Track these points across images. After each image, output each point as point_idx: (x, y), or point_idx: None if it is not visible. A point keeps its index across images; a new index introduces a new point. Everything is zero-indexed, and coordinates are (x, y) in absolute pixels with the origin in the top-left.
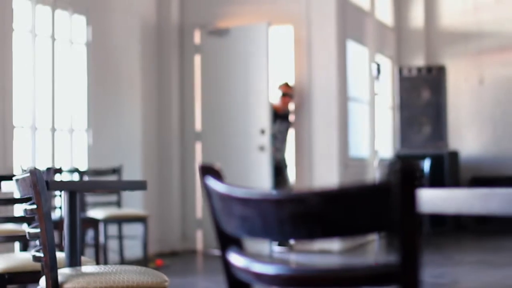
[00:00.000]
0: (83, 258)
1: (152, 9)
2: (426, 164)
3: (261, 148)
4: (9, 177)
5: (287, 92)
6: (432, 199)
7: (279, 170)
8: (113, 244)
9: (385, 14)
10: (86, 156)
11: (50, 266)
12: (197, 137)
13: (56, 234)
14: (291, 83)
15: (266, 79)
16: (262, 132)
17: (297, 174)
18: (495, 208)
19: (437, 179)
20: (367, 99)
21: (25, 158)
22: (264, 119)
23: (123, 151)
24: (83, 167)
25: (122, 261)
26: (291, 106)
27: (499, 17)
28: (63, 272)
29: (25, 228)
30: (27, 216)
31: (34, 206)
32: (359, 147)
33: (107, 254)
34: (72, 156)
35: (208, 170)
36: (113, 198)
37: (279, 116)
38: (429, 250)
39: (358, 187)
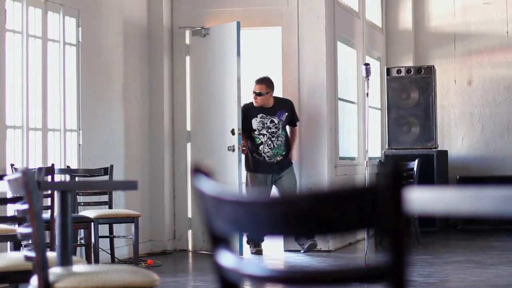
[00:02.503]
0: (74, 258)
1: (142, 11)
2: (415, 164)
3: (231, 148)
4: (1, 177)
5: (258, 90)
6: (421, 200)
7: (274, 170)
8: (104, 244)
9: (374, 15)
10: (76, 156)
11: (41, 266)
12: (188, 137)
13: (47, 234)
14: (267, 78)
15: (236, 78)
16: (232, 132)
17: None
18: (484, 209)
19: (426, 179)
20: (357, 99)
21: (17, 158)
22: (234, 119)
23: (113, 151)
24: (74, 168)
25: (113, 261)
26: (269, 101)
27: (487, 18)
28: (54, 271)
29: (16, 227)
30: (18, 216)
31: (26, 206)
32: (348, 147)
33: (98, 253)
34: (64, 156)
35: (200, 171)
36: (104, 198)
37: (259, 110)
38: (418, 249)
39: (347, 190)
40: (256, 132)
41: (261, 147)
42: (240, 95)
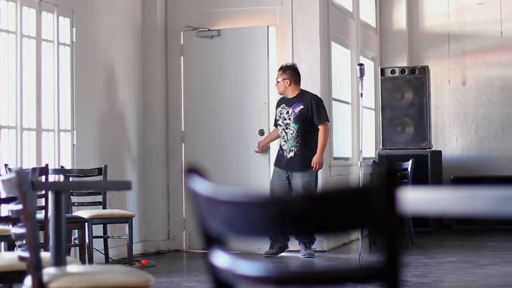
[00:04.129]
0: (68, 258)
1: (136, 11)
2: (409, 164)
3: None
4: None
5: (278, 77)
6: (415, 200)
7: (286, 166)
8: (98, 244)
9: (368, 15)
10: (70, 156)
11: (35, 266)
12: (182, 138)
13: (41, 234)
14: (287, 65)
15: (267, 81)
16: (261, 133)
17: None
18: (478, 209)
19: (420, 179)
20: (351, 99)
21: (11, 158)
22: (264, 120)
23: (107, 152)
24: (68, 168)
25: (107, 261)
26: (288, 90)
27: (481, 19)
28: (48, 271)
29: (10, 228)
30: (12, 216)
31: (20, 206)
32: (342, 148)
33: (92, 254)
34: (58, 157)
35: (193, 171)
36: (98, 198)
37: (285, 100)
38: (412, 250)
39: (341, 190)
40: (278, 124)
41: (279, 140)
42: (269, 97)
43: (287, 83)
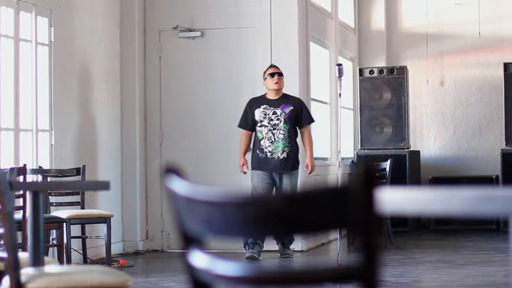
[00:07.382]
0: (46, 258)
1: (115, 11)
2: (388, 164)
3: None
4: None
5: (278, 71)
6: (393, 200)
7: (275, 168)
8: (76, 244)
9: (346, 15)
10: (49, 156)
11: (13, 266)
12: (160, 138)
13: (19, 234)
14: (275, 64)
15: (253, 81)
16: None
17: None
18: (456, 209)
19: (398, 179)
20: (329, 100)
21: None
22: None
23: (86, 152)
24: (46, 168)
25: (85, 261)
26: (280, 91)
27: (460, 19)
28: (26, 272)
29: None
30: None
31: None
32: (321, 148)
33: (70, 254)
34: (36, 157)
35: (171, 171)
36: (76, 198)
37: (264, 101)
38: (390, 249)
39: (319, 191)
40: (258, 125)
41: (262, 142)
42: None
43: (283, 85)
